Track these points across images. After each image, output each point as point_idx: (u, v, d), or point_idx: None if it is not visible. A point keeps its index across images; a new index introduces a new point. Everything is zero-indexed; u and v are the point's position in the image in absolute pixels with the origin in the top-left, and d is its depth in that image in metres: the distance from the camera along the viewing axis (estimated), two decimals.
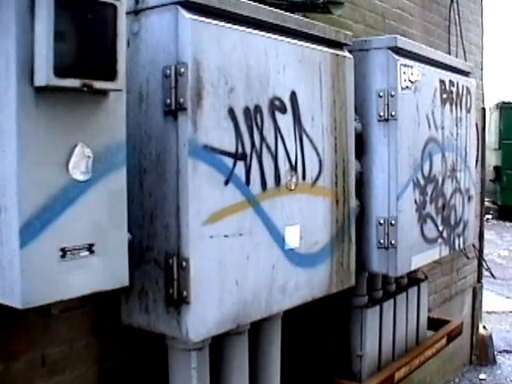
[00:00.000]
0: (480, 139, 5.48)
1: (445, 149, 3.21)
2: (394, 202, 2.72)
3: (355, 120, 2.76)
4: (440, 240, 3.20)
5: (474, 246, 4.96)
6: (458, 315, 5.02)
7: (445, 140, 3.20)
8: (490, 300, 7.96)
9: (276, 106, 2.15)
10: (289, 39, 2.20)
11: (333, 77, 2.45)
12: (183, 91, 1.78)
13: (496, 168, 14.93)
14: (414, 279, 3.56)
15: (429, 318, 3.94)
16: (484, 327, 5.58)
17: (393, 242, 2.73)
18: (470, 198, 3.62)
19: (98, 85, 1.51)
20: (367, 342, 2.97)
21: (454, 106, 3.33)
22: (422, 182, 2.94)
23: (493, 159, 15.01)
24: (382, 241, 2.75)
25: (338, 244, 2.50)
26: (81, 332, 2.10)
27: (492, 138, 15.27)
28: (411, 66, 2.82)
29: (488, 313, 7.36)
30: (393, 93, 2.70)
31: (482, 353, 5.52)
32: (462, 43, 4.74)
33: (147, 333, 1.99)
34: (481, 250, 5.39)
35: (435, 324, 3.90)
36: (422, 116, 2.93)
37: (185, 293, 1.80)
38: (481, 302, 5.63)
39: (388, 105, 2.71)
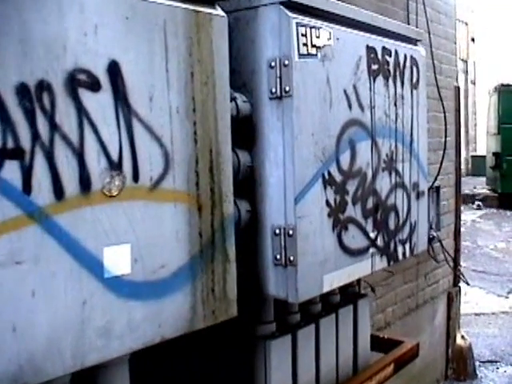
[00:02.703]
0: (455, 122, 4.80)
1: (376, 134, 2.54)
2: (291, 205, 2.06)
3: (244, 99, 2.11)
4: (372, 250, 2.54)
5: (443, 248, 4.28)
6: (427, 326, 4.37)
7: (376, 123, 2.54)
8: (480, 299, 7.30)
9: (81, 81, 1.50)
10: None
11: (190, 41, 1.79)
12: None
13: (495, 154, 14.12)
14: (350, 295, 2.91)
15: (377, 338, 3.32)
16: (462, 337, 4.92)
17: (291, 258, 2.07)
18: (419, 195, 2.95)
19: None
20: (273, 380, 2.33)
21: (390, 81, 2.65)
22: (337, 177, 2.28)
23: (492, 145, 14.25)
24: (278, 256, 2.10)
25: (203, 265, 1.86)
26: None
27: (491, 122, 14.49)
28: (317, 27, 2.15)
29: (476, 315, 6.71)
30: (286, 62, 2.03)
31: (460, 366, 4.87)
32: (425, 10, 4.04)
33: None
34: (456, 251, 4.71)
35: (385, 345, 3.26)
36: (338, 92, 2.27)
37: None
38: (458, 308, 4.96)
39: (281, 78, 2.04)
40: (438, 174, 4.32)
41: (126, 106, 1.61)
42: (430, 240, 4.43)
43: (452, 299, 4.79)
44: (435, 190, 4.55)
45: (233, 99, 2.08)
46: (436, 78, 4.23)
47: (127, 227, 1.63)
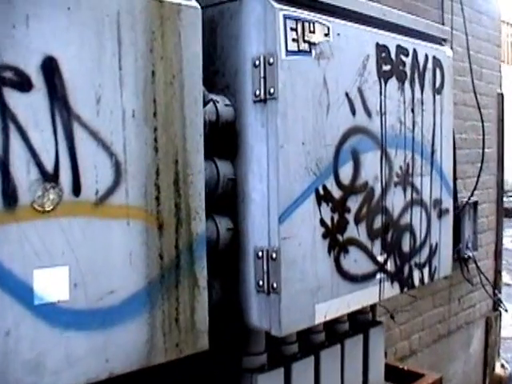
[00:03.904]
0: (498, 132, 4.38)
1: (388, 144, 2.24)
2: (275, 225, 1.79)
3: (226, 103, 1.87)
4: (380, 275, 2.23)
5: (479, 270, 3.87)
6: (462, 354, 3.97)
7: (387, 131, 2.23)
8: None
9: (6, 79, 1.30)
10: None
11: (151, 36, 1.57)
12: None
13: None
14: (361, 323, 2.60)
15: (396, 369, 2.98)
16: (502, 366, 4.46)
17: (274, 284, 1.80)
18: (442, 213, 2.61)
19: None
20: None
21: (407, 84, 2.34)
22: (336, 193, 1.99)
23: None
24: (261, 282, 1.84)
25: (165, 291, 1.62)
26: None
27: None
28: (311, 21, 1.88)
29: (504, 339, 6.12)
30: (271, 60, 1.77)
31: None
32: (462, 9, 3.67)
33: None
34: (497, 273, 4.27)
35: (404, 378, 2.92)
36: (338, 96, 1.98)
37: None
38: (498, 334, 4.51)
39: (265, 78, 1.78)
40: (474, 189, 3.92)
41: (65, 108, 1.40)
42: (465, 261, 4.03)
43: (491, 325, 4.35)
44: (472, 206, 4.14)
45: (213, 103, 1.84)
46: (473, 83, 3.85)
47: (65, 247, 1.41)
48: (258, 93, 1.80)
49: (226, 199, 1.88)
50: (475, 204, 4.17)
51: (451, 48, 3.69)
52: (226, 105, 1.86)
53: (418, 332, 3.52)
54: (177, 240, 1.64)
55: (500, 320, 4.54)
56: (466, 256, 3.99)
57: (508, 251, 10.98)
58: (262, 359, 2.11)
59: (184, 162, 1.65)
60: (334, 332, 2.44)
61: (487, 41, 4.25)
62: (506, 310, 4.24)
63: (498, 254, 4.31)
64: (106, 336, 1.49)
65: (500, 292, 4.40)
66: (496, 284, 4.30)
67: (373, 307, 2.72)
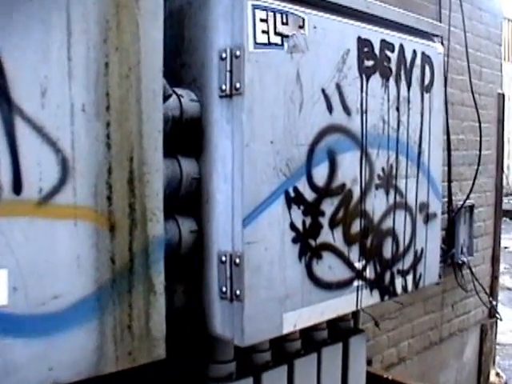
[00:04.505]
0: (498, 134, 4.25)
1: (369, 144, 2.13)
2: (238, 228, 1.69)
3: (192, 98, 1.77)
4: (358, 282, 2.12)
5: (473, 276, 3.74)
6: (454, 362, 3.85)
7: (369, 131, 2.12)
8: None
9: None
10: None
11: (105, 25, 1.47)
12: None
13: None
14: (342, 330, 2.50)
15: (379, 379, 2.88)
16: (498, 374, 4.34)
17: (237, 291, 1.70)
18: (429, 217, 2.50)
19: None
20: None
21: (391, 80, 2.23)
22: (308, 195, 1.88)
23: None
24: (224, 289, 1.74)
25: (116, 296, 1.52)
26: None
27: None
28: (283, 12, 1.77)
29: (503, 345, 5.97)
30: (238, 52, 1.67)
31: None
32: (461, 5, 3.54)
33: None
34: (494, 278, 4.15)
35: None
36: (313, 92, 1.88)
37: None
38: (493, 342, 4.38)
39: (231, 72, 1.68)
40: (470, 192, 3.79)
41: (5, 101, 1.31)
42: (460, 266, 3.90)
43: (486, 332, 4.23)
44: (468, 210, 4.01)
45: (178, 97, 1.74)
46: (471, 82, 3.72)
47: (3, 249, 1.32)
48: (223, 87, 1.70)
49: (190, 199, 1.78)
50: (471, 207, 4.04)
51: (448, 45, 3.58)
52: (192, 100, 1.77)
53: (408, 339, 3.41)
54: (131, 243, 1.55)
55: (496, 327, 4.42)
56: (460, 261, 3.87)
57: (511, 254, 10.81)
58: (229, 368, 2.01)
59: (140, 160, 1.55)
60: (311, 340, 2.34)
61: (488, 39, 4.11)
62: (501, 319, 4.10)
63: (495, 259, 4.18)
64: (49, 343, 1.40)
65: (496, 298, 4.27)
66: (492, 290, 4.17)
67: (355, 314, 2.61)
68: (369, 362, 3.15)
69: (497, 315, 4.08)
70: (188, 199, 1.78)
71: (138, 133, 1.55)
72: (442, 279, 3.60)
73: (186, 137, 1.78)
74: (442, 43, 2.93)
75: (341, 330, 2.49)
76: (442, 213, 3.88)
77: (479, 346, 4.21)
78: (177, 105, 1.73)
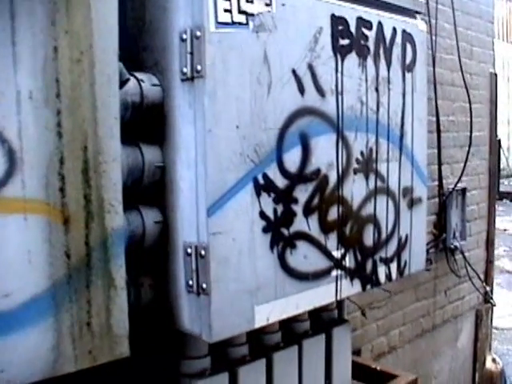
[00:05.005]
0: (491, 115, 4.13)
1: (345, 127, 2.03)
2: (203, 218, 1.60)
3: (154, 82, 1.67)
4: (337, 272, 2.04)
5: (466, 260, 3.65)
6: (448, 350, 3.78)
7: (345, 113, 2.02)
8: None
9: None
10: None
11: (52, 6, 1.37)
12: None
13: None
14: (324, 321, 2.42)
15: (368, 369, 2.80)
16: (494, 360, 4.27)
17: (204, 285, 1.62)
18: (413, 202, 2.41)
19: None
20: None
21: (369, 60, 2.12)
22: (280, 182, 1.79)
23: None
24: (190, 282, 1.65)
25: (73, 293, 1.44)
26: None
27: None
28: None
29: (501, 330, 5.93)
30: (198, 33, 1.56)
31: None
32: None
33: None
34: (488, 263, 4.06)
35: (375, 379, 2.75)
36: (282, 73, 1.78)
37: None
38: (489, 328, 4.30)
39: (192, 53, 1.58)
40: (461, 174, 3.70)
41: None
42: (452, 251, 3.82)
43: (481, 318, 4.15)
44: (460, 193, 3.91)
45: (138, 82, 1.65)
46: (460, 61, 3.60)
47: None
48: (185, 70, 1.60)
49: (154, 189, 1.69)
50: (463, 190, 3.94)
51: (436, 24, 3.46)
52: (153, 84, 1.67)
53: (398, 327, 3.33)
54: (87, 236, 1.46)
55: (492, 312, 4.34)
56: (452, 246, 3.78)
57: (511, 236, 10.72)
58: (203, 363, 1.94)
59: (95, 149, 1.46)
60: (292, 332, 2.26)
61: (479, 17, 3.98)
62: (494, 304, 4.02)
63: (489, 243, 4.09)
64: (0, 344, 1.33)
65: (492, 283, 4.19)
66: (487, 275, 4.09)
67: (339, 304, 2.53)
68: (358, 352, 3.08)
69: (491, 301, 4.00)
70: (152, 189, 1.69)
71: (93, 120, 1.45)
72: (432, 265, 3.52)
73: (148, 123, 1.69)
74: (430, 22, 2.82)
75: (324, 320, 2.41)
76: (433, 197, 3.79)
77: (474, 332, 4.13)
78: (137, 90, 1.63)
